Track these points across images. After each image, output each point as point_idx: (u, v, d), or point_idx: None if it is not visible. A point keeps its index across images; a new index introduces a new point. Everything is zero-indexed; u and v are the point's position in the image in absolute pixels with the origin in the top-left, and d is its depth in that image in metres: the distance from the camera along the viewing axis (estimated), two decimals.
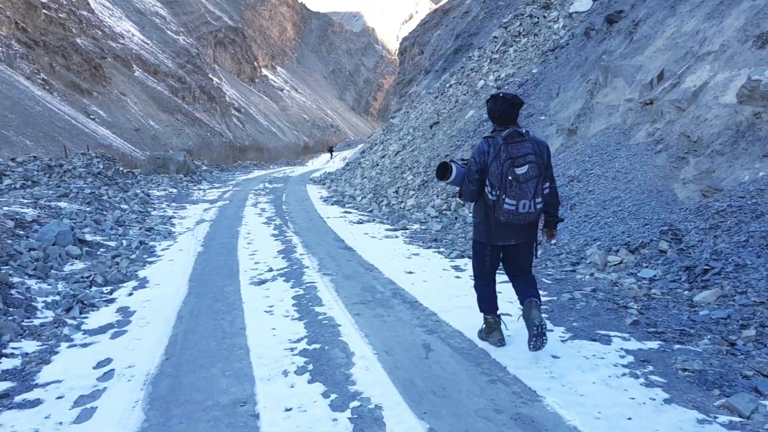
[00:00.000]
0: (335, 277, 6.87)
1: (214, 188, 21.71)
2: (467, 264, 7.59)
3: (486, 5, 28.61)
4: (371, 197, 15.67)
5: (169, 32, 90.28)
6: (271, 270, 7.36)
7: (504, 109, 3.94)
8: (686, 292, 5.68)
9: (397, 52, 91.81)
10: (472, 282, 4.83)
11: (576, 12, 17.76)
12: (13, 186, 12.87)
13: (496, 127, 4.01)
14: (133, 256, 8.29)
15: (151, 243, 9.57)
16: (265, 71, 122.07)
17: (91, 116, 57.42)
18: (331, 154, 53.88)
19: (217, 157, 44.02)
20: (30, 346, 4.71)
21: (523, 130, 3.86)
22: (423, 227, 11.24)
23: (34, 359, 4.39)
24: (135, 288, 6.74)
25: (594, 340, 4.46)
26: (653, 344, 4.30)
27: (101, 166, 17.49)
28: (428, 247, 8.87)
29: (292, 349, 4.42)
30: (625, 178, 9.41)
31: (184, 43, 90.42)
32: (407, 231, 10.73)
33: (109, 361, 4.38)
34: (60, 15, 63.38)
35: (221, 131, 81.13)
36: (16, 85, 48.54)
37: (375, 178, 18.13)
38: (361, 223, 11.85)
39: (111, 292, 6.52)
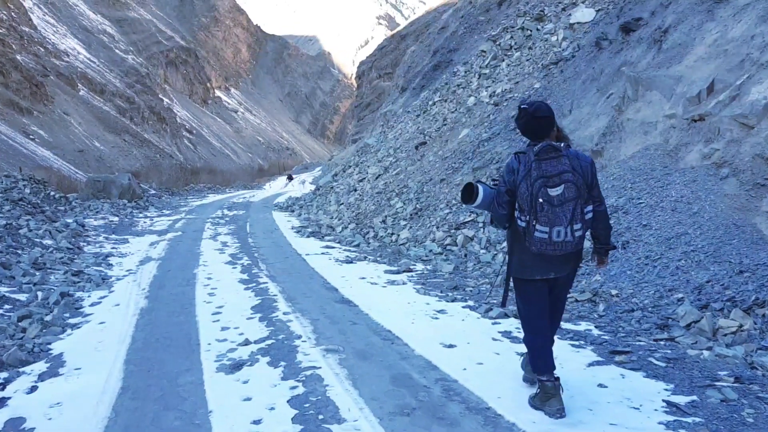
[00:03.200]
0: (345, 356, 4.84)
1: (164, 216, 19.32)
2: (519, 327, 5.67)
3: (465, 20, 27.36)
4: (354, 228, 13.69)
5: (117, 51, 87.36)
6: (246, 343, 5.27)
7: (525, 123, 3.54)
8: None
9: (354, 76, 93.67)
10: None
11: (578, 23, 16.37)
12: None
13: (530, 141, 3.58)
14: (49, 317, 6.08)
15: (78, 294, 7.34)
16: (218, 92, 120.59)
17: (31, 136, 53.93)
18: (290, 178, 54.40)
19: (167, 180, 41.34)
20: None
21: (561, 144, 3.43)
22: (429, 268, 9.30)
23: None
24: (42, 376, 4.56)
25: None
26: None
27: (27, 191, 14.94)
28: (452, 300, 6.92)
29: None
30: (689, 210, 7.72)
31: (133, 62, 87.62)
32: (412, 273, 8.77)
33: None
34: None
35: (171, 153, 78.36)
36: None
37: (355, 205, 16.17)
38: (351, 262, 9.82)
39: (2, 386, 4.34)
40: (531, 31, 18.71)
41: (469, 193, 3.65)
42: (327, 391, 4.03)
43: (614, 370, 4.46)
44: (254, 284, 7.98)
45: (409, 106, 24.31)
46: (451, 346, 5.06)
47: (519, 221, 3.46)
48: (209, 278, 8.46)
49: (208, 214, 20.24)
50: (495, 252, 9.60)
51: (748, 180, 7.50)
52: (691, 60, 10.19)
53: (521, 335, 5.34)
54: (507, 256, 3.81)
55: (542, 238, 3.37)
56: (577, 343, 5.21)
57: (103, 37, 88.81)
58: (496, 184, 3.65)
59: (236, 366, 4.64)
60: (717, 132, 8.57)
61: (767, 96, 7.93)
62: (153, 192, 28.75)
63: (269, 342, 5.29)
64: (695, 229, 7.36)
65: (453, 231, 11.01)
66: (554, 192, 3.32)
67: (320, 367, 4.53)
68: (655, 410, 3.70)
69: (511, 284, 3.81)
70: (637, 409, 3.72)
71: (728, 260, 6.69)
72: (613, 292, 6.89)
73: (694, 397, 3.88)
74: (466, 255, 9.99)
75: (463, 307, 6.61)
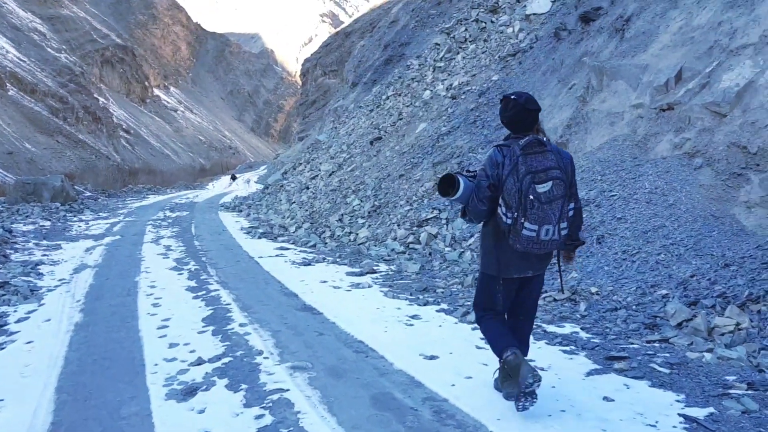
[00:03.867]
0: (315, 374, 4.28)
1: (101, 219, 18.21)
2: None
3: (416, 14, 27.03)
4: (309, 227, 13.06)
5: (49, 50, 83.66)
6: (200, 362, 4.64)
7: (515, 114, 3.43)
8: None
9: (298, 73, 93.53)
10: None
11: (534, 14, 16.19)
12: None
13: (511, 134, 3.50)
14: None
15: (2, 309, 6.51)
16: (157, 91, 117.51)
17: None
18: (233, 178, 54.00)
19: (103, 182, 39.51)
20: None
21: (544, 139, 3.34)
22: (393, 268, 8.81)
23: None
24: None
25: None
26: None
27: None
28: (424, 303, 6.44)
29: None
30: (665, 202, 7.48)
31: (67, 61, 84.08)
32: (377, 275, 8.26)
33: None
34: None
35: (108, 154, 75.60)
36: None
37: (308, 204, 15.53)
38: (309, 264, 9.23)
39: None
40: (486, 23, 18.48)
41: (448, 184, 3.43)
42: (300, 420, 3.46)
43: (616, 379, 4.06)
44: (204, 292, 7.30)
45: (361, 102, 23.78)
46: (432, 357, 4.57)
47: (504, 218, 3.29)
48: (153, 286, 7.73)
49: (149, 216, 19.21)
50: (461, 250, 9.19)
51: (723, 170, 7.30)
52: (657, 48, 10.02)
53: None
54: (481, 252, 3.63)
55: (530, 237, 3.23)
56: (567, 348, 4.81)
57: (33, 36, 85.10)
58: (473, 177, 3.48)
59: (189, 391, 4.02)
60: (688, 121, 8.38)
61: (739, 83, 7.76)
62: (88, 194, 27.31)
63: (226, 360, 4.68)
64: (672, 221, 7.11)
65: (415, 228, 10.56)
66: (542, 188, 3.19)
67: (288, 390, 3.95)
68: (674, 427, 3.31)
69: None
70: (654, 426, 3.31)
71: (710, 253, 6.44)
72: (593, 289, 6.55)
73: (712, 409, 3.50)
74: (430, 253, 9.55)
75: (438, 311, 6.14)
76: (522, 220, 3.21)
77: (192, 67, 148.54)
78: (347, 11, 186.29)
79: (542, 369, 4.27)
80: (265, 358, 4.70)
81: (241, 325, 5.71)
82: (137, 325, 5.89)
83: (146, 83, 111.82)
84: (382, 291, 7.16)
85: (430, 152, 12.94)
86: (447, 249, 9.50)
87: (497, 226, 3.40)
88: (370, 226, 11.67)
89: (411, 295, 6.93)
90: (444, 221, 10.48)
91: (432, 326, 5.54)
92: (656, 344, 4.90)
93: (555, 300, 6.53)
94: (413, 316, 5.90)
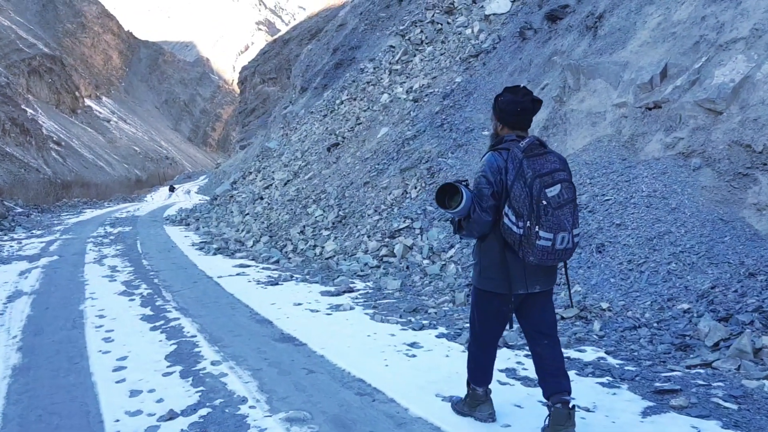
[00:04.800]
0: (317, 427, 3.51)
1: (35, 237, 16.75)
2: (524, 363, 4.59)
3: (365, 17, 26.46)
4: (268, 241, 12.17)
5: None
6: (172, 415, 3.79)
7: (524, 107, 3.14)
8: None
9: (236, 82, 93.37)
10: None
11: (494, 14, 15.80)
12: None
13: (503, 135, 3.22)
14: None
15: None
16: (88, 102, 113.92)
17: None
18: (172, 189, 53.71)
19: (34, 197, 37.20)
20: None
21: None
22: (371, 285, 8.10)
23: None
24: None
25: None
26: None
27: None
28: (419, 327, 5.73)
29: None
30: (666, 206, 7.03)
31: None
32: (355, 294, 7.51)
33: None
34: None
35: (38, 167, 72.25)
36: None
37: (264, 215, 14.60)
38: (276, 283, 8.37)
39: None
40: (442, 24, 18.05)
41: (447, 194, 3.13)
42: None
43: (680, 420, 3.46)
44: (162, 322, 6.38)
45: (312, 107, 22.96)
46: (453, 398, 3.86)
47: (513, 228, 2.99)
48: (101, 316, 6.75)
49: (89, 232, 17.84)
50: (442, 262, 8.55)
51: (726, 170, 6.90)
52: (636, 45, 9.67)
53: (532, 373, 4.27)
54: (479, 269, 3.29)
55: (545, 247, 2.95)
56: (604, 380, 4.19)
57: None
58: (466, 185, 3.15)
59: None
60: (678, 120, 7.99)
61: (734, 79, 7.40)
62: (19, 210, 25.46)
63: (203, 412, 3.84)
64: (678, 226, 6.65)
65: (387, 240, 9.86)
66: (551, 192, 2.95)
67: None
68: None
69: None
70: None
71: (726, 261, 5.99)
72: (603, 305, 5.99)
73: None
74: (408, 267, 8.87)
75: (437, 336, 5.45)
76: (536, 229, 2.94)
77: (125, 77, 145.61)
78: (283, 19, 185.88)
79: (588, 410, 3.64)
80: (251, 407, 3.89)
81: (213, 363, 4.87)
82: (88, 366, 4.96)
83: (77, 93, 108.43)
84: (366, 313, 6.41)
85: (395, 158, 12.29)
86: (426, 262, 8.84)
87: (500, 239, 3.11)
88: (336, 238, 10.90)
89: (401, 317, 6.21)
90: (418, 231, 9.83)
91: (437, 357, 4.83)
92: (699, 370, 4.33)
93: (563, 318, 5.94)
94: (412, 344, 5.18)
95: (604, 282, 6.47)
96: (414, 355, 4.87)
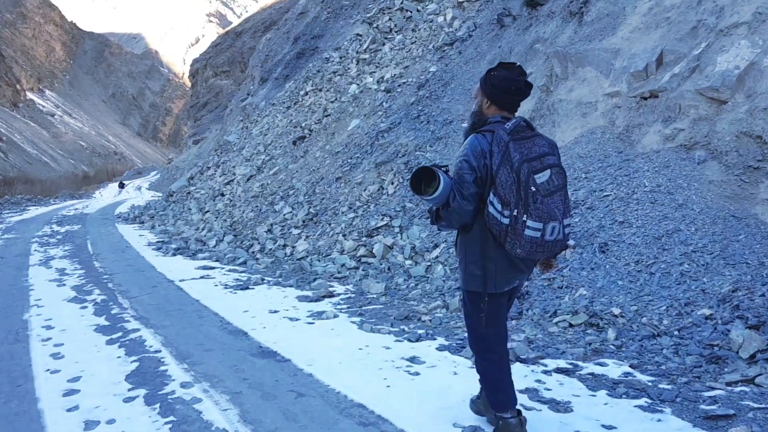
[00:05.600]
0: None
1: None
2: (545, 381, 4.07)
3: (327, 5, 25.79)
4: (232, 241, 11.42)
5: None
6: None
7: (521, 85, 2.91)
8: None
9: (187, 75, 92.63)
10: None
11: (467, 1, 15.35)
12: None
13: (487, 115, 2.97)
14: None
15: None
16: (30, 95, 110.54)
17: None
18: (122, 186, 53.46)
19: None
20: None
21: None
22: (352, 288, 7.51)
23: None
24: None
25: None
26: None
27: None
28: (416, 338, 5.16)
29: None
30: (672, 202, 6.64)
31: None
32: (336, 299, 6.90)
33: None
34: None
35: None
36: None
37: (226, 213, 13.82)
38: (246, 287, 7.68)
39: None
40: (411, 12, 17.55)
41: (425, 179, 2.85)
42: None
43: None
44: (120, 333, 5.65)
45: (273, 98, 22.15)
46: (475, 430, 3.31)
47: (499, 218, 2.77)
48: (49, 327, 5.98)
49: (33, 231, 16.70)
50: (427, 263, 8.01)
51: (735, 163, 6.55)
52: (627, 31, 9.30)
53: (557, 394, 3.77)
54: (464, 266, 3.03)
55: (533, 238, 2.73)
56: (642, 402, 3.69)
57: None
58: (446, 171, 2.90)
59: None
60: (678, 110, 7.63)
61: (739, 66, 7.07)
62: None
63: None
64: (687, 224, 6.25)
65: (365, 239, 9.28)
66: (540, 179, 2.76)
67: None
68: None
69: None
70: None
71: (744, 261, 5.60)
72: (615, 311, 5.52)
73: None
74: (390, 268, 8.31)
75: (438, 348, 4.89)
76: (524, 218, 2.72)
77: (69, 69, 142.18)
78: (235, 11, 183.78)
79: None
80: None
81: (183, 385, 4.20)
82: (34, 389, 4.24)
83: (18, 86, 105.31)
84: (353, 322, 5.82)
85: (369, 151, 11.70)
86: (408, 263, 8.29)
87: (484, 230, 2.88)
88: (308, 237, 10.26)
89: (392, 326, 5.64)
90: (397, 229, 9.28)
91: (444, 375, 4.27)
92: (743, 388, 3.88)
93: (572, 325, 5.46)
94: (412, 359, 4.61)
95: (611, 285, 6.02)
96: (417, 373, 4.30)
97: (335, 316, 6.01)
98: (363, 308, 6.39)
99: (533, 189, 2.72)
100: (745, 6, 7.63)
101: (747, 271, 5.45)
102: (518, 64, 3.02)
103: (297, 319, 5.96)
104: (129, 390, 4.17)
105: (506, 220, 2.76)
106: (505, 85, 2.93)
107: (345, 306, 6.54)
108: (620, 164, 7.65)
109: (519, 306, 6.13)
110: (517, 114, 3.04)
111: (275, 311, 6.31)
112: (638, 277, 5.98)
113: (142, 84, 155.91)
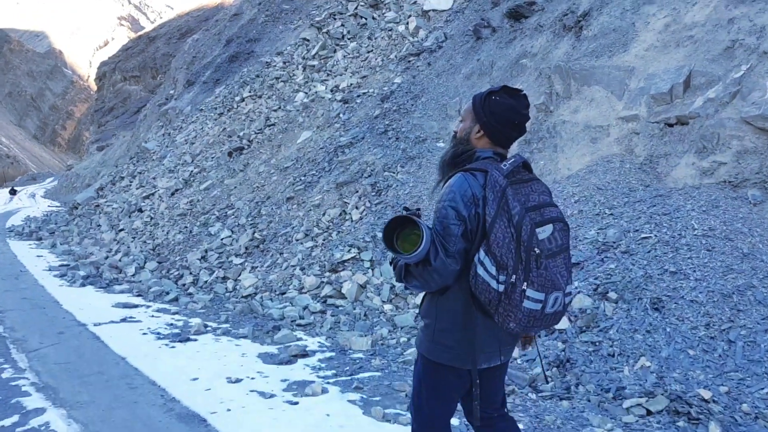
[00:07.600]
0: None
1: None
2: None
3: (265, 8, 24.38)
4: (156, 269, 9.60)
5: None
6: None
7: (526, 118, 2.39)
8: None
9: (92, 78, 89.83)
10: None
11: (433, 10, 14.31)
12: None
13: (475, 148, 2.40)
14: None
15: None
16: None
17: None
18: (13, 192, 50.91)
19: None
20: None
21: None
22: (325, 341, 6.01)
23: None
24: None
25: None
26: None
27: None
28: None
29: None
30: (735, 251, 5.62)
31: None
32: (314, 360, 5.37)
33: None
34: None
35: None
36: None
37: (146, 233, 11.93)
38: (187, 339, 5.98)
39: None
40: (366, 18, 16.39)
41: (398, 232, 2.21)
42: None
43: None
44: (17, 418, 3.91)
45: (201, 103, 20.33)
46: None
47: (492, 283, 2.19)
48: None
49: None
50: (414, 310, 6.65)
51: None
52: (641, 48, 8.39)
53: None
54: (431, 332, 2.40)
55: (533, 311, 2.19)
56: None
57: None
58: (416, 214, 2.21)
59: None
60: (716, 140, 6.69)
61: None
62: None
63: None
64: (761, 279, 5.20)
65: (329, 274, 7.81)
66: (542, 234, 2.24)
67: None
68: None
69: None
70: None
71: None
72: (705, 394, 4.32)
73: None
74: (366, 314, 6.87)
75: None
76: (523, 286, 2.17)
77: None
78: (149, 16, 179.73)
79: None
80: None
81: None
82: None
83: None
84: (352, 401, 4.33)
85: (327, 169, 10.26)
86: (388, 308, 6.90)
87: (466, 294, 2.30)
88: (254, 268, 8.66)
89: (406, 409, 4.21)
90: (368, 264, 7.89)
91: None
92: None
93: (649, 413, 4.21)
94: None
95: (679, 354, 4.85)
96: None
97: (324, 392, 4.50)
98: (354, 377, 4.92)
99: (537, 251, 2.23)
100: None
101: None
102: (523, 91, 2.46)
103: (272, 395, 4.41)
104: None
105: (500, 287, 2.24)
106: (507, 115, 2.36)
107: (329, 372, 5.04)
108: (652, 200, 6.59)
109: (563, 379, 4.85)
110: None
111: (237, 380, 4.72)
112: (714, 345, 4.84)
113: (43, 84, 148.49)
